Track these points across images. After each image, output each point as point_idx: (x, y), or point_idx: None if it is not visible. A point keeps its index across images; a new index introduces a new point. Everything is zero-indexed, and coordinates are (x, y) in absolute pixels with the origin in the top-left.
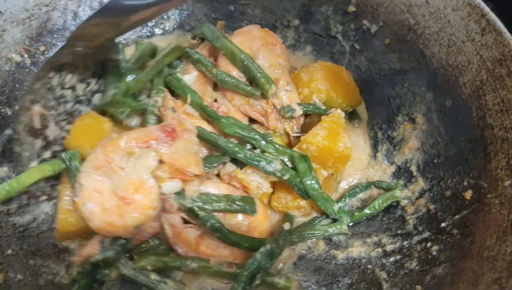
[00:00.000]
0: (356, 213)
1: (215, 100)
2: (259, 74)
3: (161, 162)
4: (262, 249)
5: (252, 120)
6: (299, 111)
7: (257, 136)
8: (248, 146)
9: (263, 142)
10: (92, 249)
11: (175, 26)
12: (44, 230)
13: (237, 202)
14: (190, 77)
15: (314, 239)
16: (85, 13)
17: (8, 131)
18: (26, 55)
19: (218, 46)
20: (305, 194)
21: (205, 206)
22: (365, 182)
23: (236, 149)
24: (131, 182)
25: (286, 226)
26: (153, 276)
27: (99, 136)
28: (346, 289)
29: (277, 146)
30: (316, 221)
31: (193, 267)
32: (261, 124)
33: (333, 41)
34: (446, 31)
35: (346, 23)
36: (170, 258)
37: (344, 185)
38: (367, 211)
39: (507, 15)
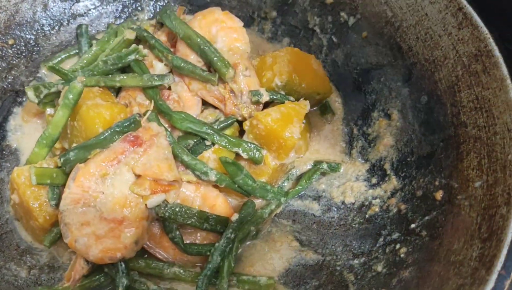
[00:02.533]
0: (290, 191)
1: (169, 88)
2: (215, 58)
3: (137, 175)
4: (212, 250)
5: (206, 104)
6: (265, 97)
7: (209, 130)
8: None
9: (217, 137)
10: (81, 270)
11: (149, 18)
12: (7, 231)
13: (209, 221)
14: (160, 66)
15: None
16: (55, 4)
17: None
18: None
19: (175, 31)
20: (244, 193)
21: (177, 219)
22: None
23: (178, 152)
24: (115, 201)
25: (234, 217)
26: (152, 286)
27: None
28: None
29: (230, 138)
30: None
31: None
32: (218, 109)
33: (310, 34)
34: (423, 24)
35: (324, 15)
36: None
37: (297, 172)
38: (297, 187)
39: (484, 10)
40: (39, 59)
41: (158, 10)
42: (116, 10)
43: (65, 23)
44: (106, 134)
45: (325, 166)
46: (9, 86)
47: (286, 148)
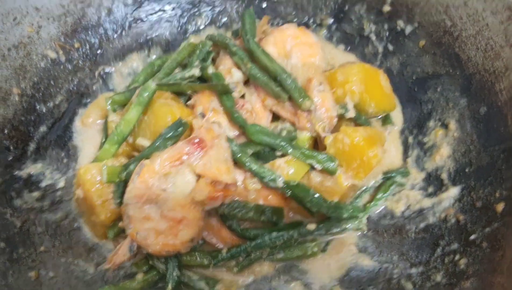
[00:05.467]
0: (367, 205)
1: (242, 96)
2: (292, 89)
3: (197, 175)
4: (273, 234)
5: (276, 115)
6: (351, 113)
7: (283, 143)
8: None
9: (290, 149)
10: (123, 256)
11: (207, 23)
12: (75, 228)
13: (266, 213)
14: (238, 74)
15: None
16: (118, 9)
17: (42, 128)
18: (61, 52)
19: (254, 59)
20: (309, 211)
21: (235, 214)
22: (381, 177)
23: (247, 161)
24: (176, 201)
25: (311, 227)
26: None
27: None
28: None
29: (304, 150)
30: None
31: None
32: (292, 123)
33: (365, 41)
34: (483, 34)
35: (380, 23)
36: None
37: (369, 189)
38: (374, 201)
39: None
40: (103, 62)
41: (215, 15)
42: (175, 15)
43: (127, 28)
44: (158, 143)
45: (398, 177)
46: (75, 88)
47: (368, 166)
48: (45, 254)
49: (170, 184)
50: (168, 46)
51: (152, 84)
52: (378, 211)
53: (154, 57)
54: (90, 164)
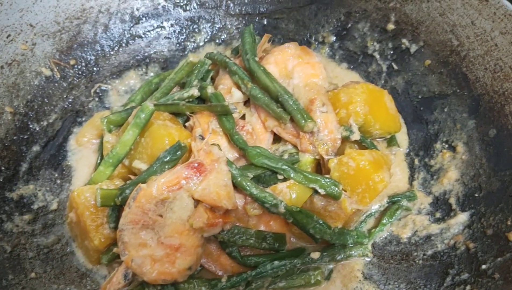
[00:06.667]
0: (372, 230)
1: (242, 117)
2: (294, 110)
3: (196, 200)
4: (275, 263)
5: (277, 136)
6: (356, 136)
7: (285, 167)
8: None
9: (293, 173)
10: (117, 284)
11: (206, 40)
12: (68, 252)
13: (267, 240)
14: (238, 95)
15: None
16: (115, 26)
17: (35, 148)
18: (55, 69)
19: (254, 78)
20: (312, 237)
21: (236, 241)
22: (386, 201)
23: (247, 185)
24: (173, 227)
25: (315, 255)
26: None
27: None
28: None
29: (307, 174)
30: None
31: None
32: (294, 145)
33: (369, 60)
34: (492, 55)
35: (384, 41)
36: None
37: (374, 213)
38: (379, 227)
39: None
40: (99, 79)
41: (214, 32)
42: (174, 31)
43: (124, 44)
44: (155, 166)
45: (404, 201)
46: (70, 106)
47: (374, 191)
48: (36, 280)
49: (168, 209)
50: (167, 63)
51: (150, 105)
52: (383, 236)
53: (151, 74)
54: (84, 186)
